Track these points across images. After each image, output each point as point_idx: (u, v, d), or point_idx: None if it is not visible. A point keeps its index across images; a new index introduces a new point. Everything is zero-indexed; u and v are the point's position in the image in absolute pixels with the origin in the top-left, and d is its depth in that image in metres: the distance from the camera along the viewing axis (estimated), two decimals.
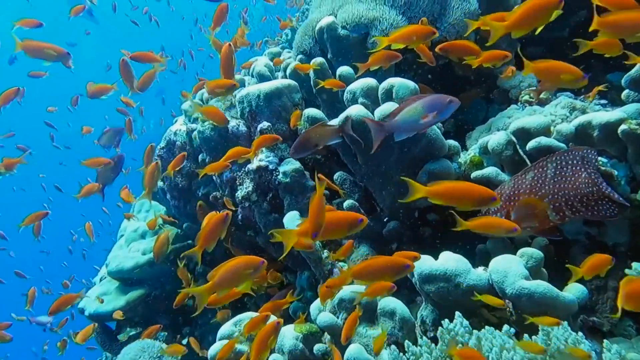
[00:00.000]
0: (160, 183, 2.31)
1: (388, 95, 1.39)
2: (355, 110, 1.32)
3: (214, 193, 1.86)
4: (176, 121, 2.18)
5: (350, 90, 1.47)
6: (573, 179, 1.02)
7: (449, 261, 0.99)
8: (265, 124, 1.58)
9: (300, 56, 1.76)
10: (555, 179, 1.04)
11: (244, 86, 2.15)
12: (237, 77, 2.16)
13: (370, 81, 1.45)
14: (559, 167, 1.05)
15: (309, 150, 1.30)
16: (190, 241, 2.58)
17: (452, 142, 1.33)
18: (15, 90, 1.72)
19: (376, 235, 1.46)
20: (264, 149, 1.58)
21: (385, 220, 1.46)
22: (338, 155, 1.57)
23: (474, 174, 1.25)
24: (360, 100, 1.43)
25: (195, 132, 1.85)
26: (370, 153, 1.34)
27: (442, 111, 1.06)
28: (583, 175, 1.01)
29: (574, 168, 1.03)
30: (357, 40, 1.60)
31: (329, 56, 1.68)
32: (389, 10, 1.55)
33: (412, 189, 0.93)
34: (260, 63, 2.11)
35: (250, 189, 1.57)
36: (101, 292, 2.55)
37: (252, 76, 2.22)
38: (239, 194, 1.61)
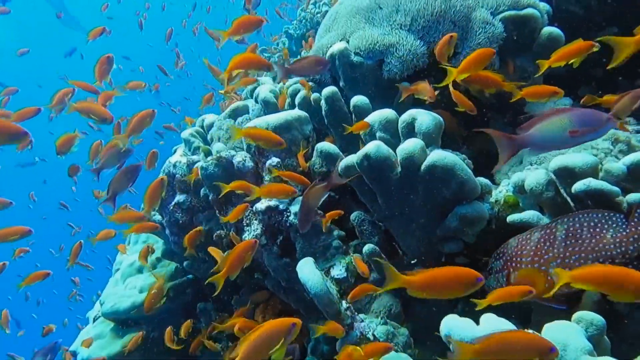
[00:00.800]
0: (158, 217, 2.22)
1: (409, 129, 1.30)
2: (374, 148, 1.22)
3: (218, 231, 1.76)
4: (175, 151, 2.09)
5: None
6: (593, 241, 0.95)
7: (495, 328, 0.88)
8: (274, 160, 1.49)
9: (310, 84, 1.68)
10: (567, 242, 0.97)
11: (248, 112, 2.07)
12: (241, 103, 2.08)
13: (388, 113, 1.36)
14: (571, 228, 0.98)
15: (314, 214, 1.24)
16: (190, 276, 2.47)
17: (483, 181, 1.24)
18: (35, 110, 1.71)
19: None
20: None
21: (407, 264, 1.36)
22: (354, 193, 1.47)
23: (510, 218, 1.15)
24: (379, 134, 1.34)
25: (197, 166, 1.76)
26: (399, 192, 1.24)
27: (597, 129, 0.90)
28: (608, 236, 0.94)
29: (592, 230, 0.96)
30: (372, 68, 1.52)
31: (341, 84, 1.60)
32: (407, 36, 1.47)
33: (558, 278, 0.81)
34: (265, 88, 2.03)
35: (259, 231, 1.47)
36: (95, 334, 2.43)
37: (256, 102, 2.14)
38: (247, 235, 1.51)
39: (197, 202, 1.93)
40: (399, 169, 1.21)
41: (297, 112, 1.54)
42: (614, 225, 0.94)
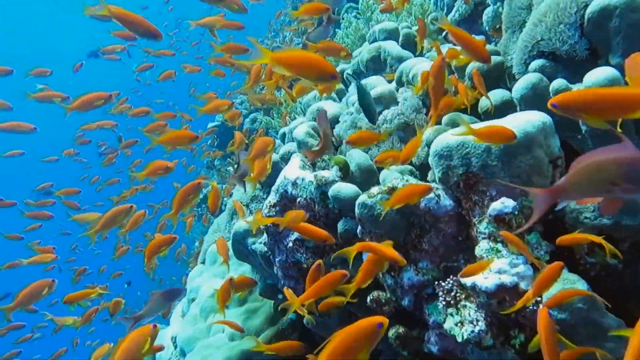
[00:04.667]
0: (260, 246, 1.79)
1: None
2: None
3: (376, 293, 1.28)
4: (289, 159, 1.61)
5: None
6: None
7: None
8: (508, 204, 0.96)
9: (539, 61, 1.12)
10: None
11: (395, 102, 1.55)
12: (385, 88, 1.55)
13: None
14: None
15: None
16: (292, 316, 2.08)
17: None
18: None
19: None
20: (504, 250, 0.97)
21: None
22: None
23: None
24: None
25: (342, 195, 1.27)
26: None
27: None
28: None
29: None
30: None
31: (612, 60, 1.02)
32: None
33: None
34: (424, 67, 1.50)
35: (481, 326, 0.97)
36: None
37: (403, 84, 1.61)
38: (453, 326, 1.01)
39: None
40: None
41: (539, 117, 0.99)
42: None
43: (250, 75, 1.76)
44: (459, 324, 1.00)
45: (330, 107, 1.68)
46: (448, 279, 1.06)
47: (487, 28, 2.03)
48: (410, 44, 2.21)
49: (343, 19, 3.63)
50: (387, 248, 0.95)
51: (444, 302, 1.05)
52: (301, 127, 1.64)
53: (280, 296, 2.00)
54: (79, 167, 5.38)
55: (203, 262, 2.65)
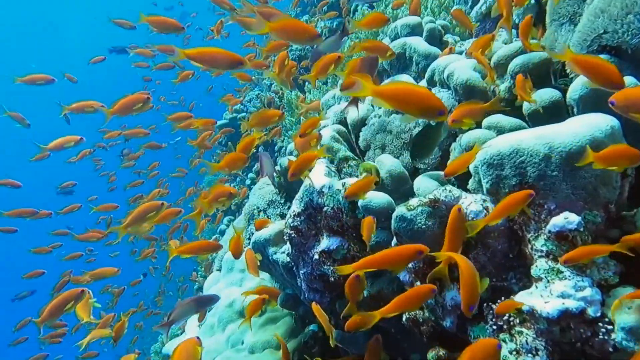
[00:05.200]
0: (282, 256, 1.70)
1: None
2: None
3: (412, 313, 1.19)
4: (314, 167, 1.51)
5: None
6: None
7: None
8: (571, 219, 0.85)
9: (601, 57, 1.01)
10: None
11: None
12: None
13: None
14: None
15: None
16: (313, 326, 1.99)
17: None
18: None
19: None
20: (567, 271, 0.86)
21: None
22: None
23: None
24: None
25: (374, 205, 1.18)
26: None
27: None
28: None
29: None
30: None
31: None
32: None
33: None
34: (463, 65, 1.40)
35: (542, 356, 0.86)
36: None
37: (435, 83, 1.50)
38: (508, 355, 0.91)
39: (357, 251, 1.37)
40: None
41: (606, 120, 0.89)
42: None
43: (276, 61, 1.74)
44: (515, 353, 0.90)
45: (353, 109, 1.59)
46: (499, 301, 0.96)
47: (517, 22, 1.92)
48: (434, 40, 2.11)
49: (356, 12, 3.52)
50: (473, 285, 0.87)
51: (494, 327, 0.95)
52: (326, 131, 1.55)
53: (301, 308, 1.91)
54: (89, 169, 5.34)
55: (219, 269, 2.58)
